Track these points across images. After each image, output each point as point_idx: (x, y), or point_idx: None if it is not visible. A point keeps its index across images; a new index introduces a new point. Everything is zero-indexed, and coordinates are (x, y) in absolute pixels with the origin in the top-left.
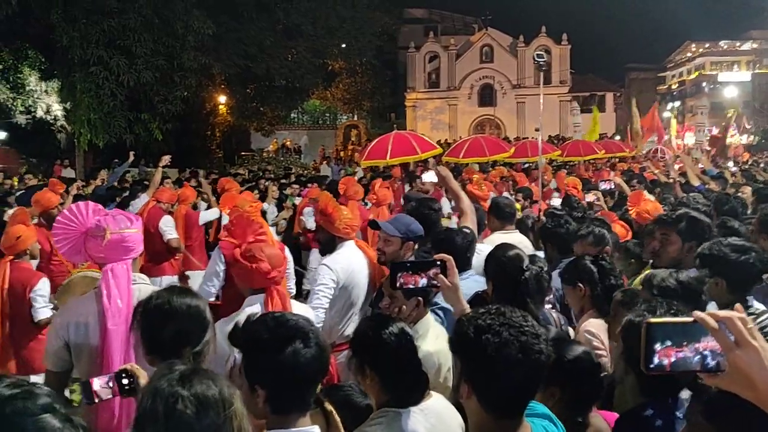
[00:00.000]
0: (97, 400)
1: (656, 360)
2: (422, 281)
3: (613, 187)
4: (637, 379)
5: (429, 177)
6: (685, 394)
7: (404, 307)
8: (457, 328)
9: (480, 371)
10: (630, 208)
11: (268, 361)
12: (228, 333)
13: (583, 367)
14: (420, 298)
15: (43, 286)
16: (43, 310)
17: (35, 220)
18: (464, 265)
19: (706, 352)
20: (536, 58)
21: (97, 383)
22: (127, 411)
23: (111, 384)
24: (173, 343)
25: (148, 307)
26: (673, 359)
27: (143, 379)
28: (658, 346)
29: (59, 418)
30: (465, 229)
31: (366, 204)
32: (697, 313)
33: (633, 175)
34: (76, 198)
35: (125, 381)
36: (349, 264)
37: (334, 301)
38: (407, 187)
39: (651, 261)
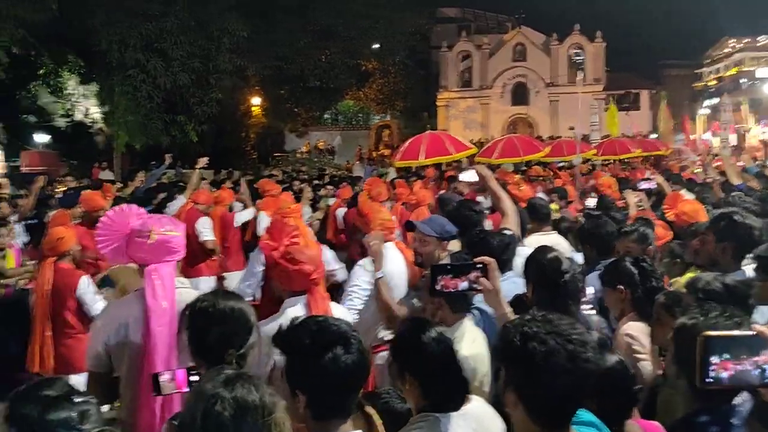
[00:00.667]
0: (164, 393)
1: (713, 374)
2: (462, 284)
3: (654, 186)
4: (690, 383)
5: (468, 176)
6: (738, 399)
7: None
8: (502, 335)
9: (526, 380)
10: (668, 210)
11: (310, 366)
12: (272, 336)
13: (618, 378)
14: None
15: (85, 284)
16: (96, 306)
17: (78, 220)
18: (502, 267)
19: (766, 366)
20: (573, 57)
21: (164, 377)
22: (169, 410)
23: (174, 379)
24: (218, 346)
25: (194, 310)
26: (731, 372)
27: None
28: (715, 359)
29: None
30: (506, 231)
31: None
32: (758, 327)
33: (670, 175)
34: (116, 200)
35: (194, 378)
36: (387, 265)
37: (370, 302)
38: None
39: (694, 262)
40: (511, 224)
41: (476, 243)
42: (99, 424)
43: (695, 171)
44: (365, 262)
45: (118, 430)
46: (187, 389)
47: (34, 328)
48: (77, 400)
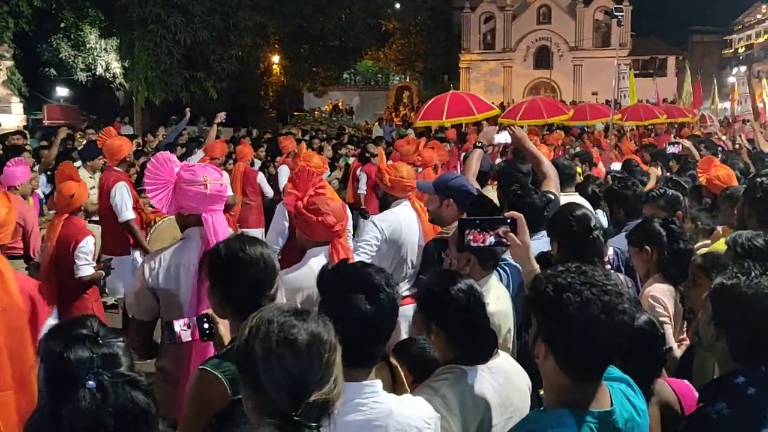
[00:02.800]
0: (179, 342)
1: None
2: (491, 239)
3: (680, 150)
4: (729, 344)
5: (501, 138)
6: None
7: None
8: (534, 285)
9: (559, 332)
10: (700, 175)
11: (346, 310)
12: (317, 276)
13: (647, 338)
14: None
15: (86, 243)
16: (84, 267)
17: (99, 173)
18: (537, 226)
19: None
20: (614, 13)
21: (178, 325)
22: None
23: (192, 327)
24: (252, 291)
25: (221, 256)
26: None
27: (223, 326)
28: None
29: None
30: (549, 194)
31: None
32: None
33: (700, 140)
34: (137, 153)
35: (206, 326)
36: (398, 221)
37: (383, 257)
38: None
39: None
40: (553, 186)
41: (513, 202)
42: (124, 370)
43: (721, 138)
44: (377, 218)
45: (143, 378)
46: (203, 338)
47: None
48: (104, 341)
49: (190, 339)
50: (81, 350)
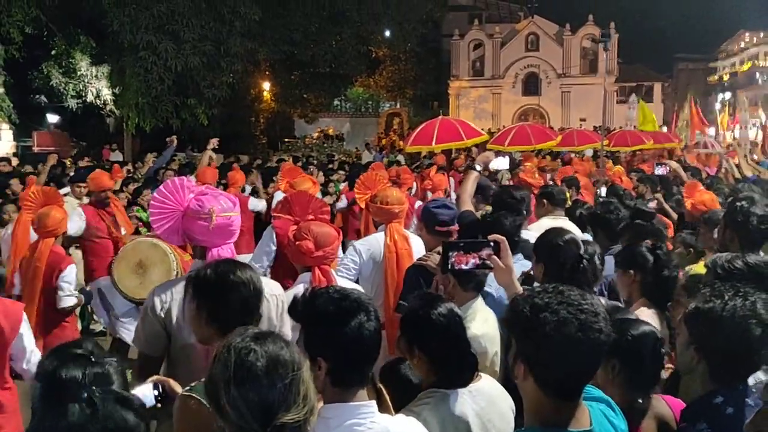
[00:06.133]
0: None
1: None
2: (473, 261)
3: (667, 172)
4: (708, 365)
5: (499, 164)
6: (752, 380)
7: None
8: (512, 306)
9: (537, 351)
10: (685, 199)
11: (333, 334)
12: (288, 307)
13: (648, 346)
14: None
15: (70, 272)
16: (67, 299)
17: (86, 200)
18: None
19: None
20: (601, 38)
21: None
22: None
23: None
24: (238, 313)
25: (207, 278)
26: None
27: (177, 387)
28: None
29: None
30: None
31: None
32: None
33: (686, 167)
34: (125, 181)
35: (156, 393)
36: (378, 245)
37: (365, 279)
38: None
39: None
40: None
41: (489, 224)
42: (116, 388)
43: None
44: (358, 242)
45: (134, 399)
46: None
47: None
48: (97, 360)
49: (153, 404)
50: (74, 368)
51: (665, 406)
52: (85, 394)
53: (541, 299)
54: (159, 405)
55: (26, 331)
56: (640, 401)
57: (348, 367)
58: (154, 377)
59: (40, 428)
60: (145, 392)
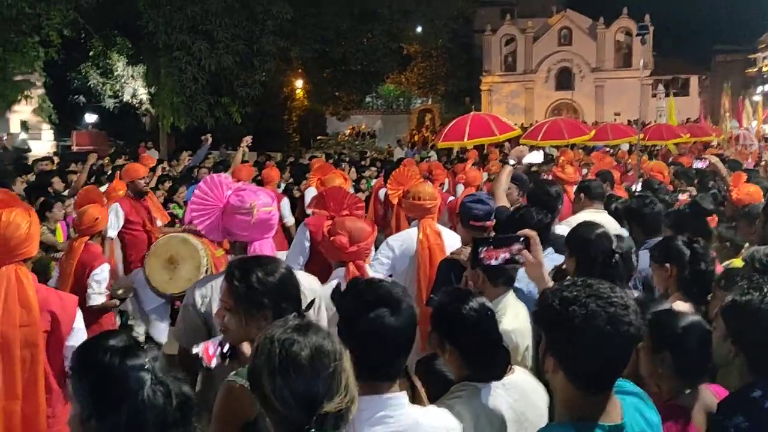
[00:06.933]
0: (213, 365)
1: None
2: (503, 256)
3: (707, 165)
4: (746, 358)
5: (533, 158)
6: None
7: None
8: (541, 300)
9: (567, 345)
10: (732, 189)
11: (354, 325)
12: (330, 296)
13: (698, 336)
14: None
15: (102, 271)
16: (96, 296)
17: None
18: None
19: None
20: (639, 30)
21: (211, 349)
22: None
23: (218, 351)
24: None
25: (249, 273)
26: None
27: (247, 348)
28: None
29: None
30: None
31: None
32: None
33: (724, 160)
34: (162, 178)
35: (226, 348)
36: (411, 240)
37: (399, 274)
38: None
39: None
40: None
41: (516, 220)
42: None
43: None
44: (391, 237)
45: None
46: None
47: None
48: (145, 347)
49: (220, 361)
50: (133, 356)
51: (711, 395)
52: (154, 377)
53: (570, 292)
54: (226, 361)
55: (81, 327)
56: (688, 391)
57: (380, 360)
58: (221, 335)
59: (96, 425)
60: (210, 347)
